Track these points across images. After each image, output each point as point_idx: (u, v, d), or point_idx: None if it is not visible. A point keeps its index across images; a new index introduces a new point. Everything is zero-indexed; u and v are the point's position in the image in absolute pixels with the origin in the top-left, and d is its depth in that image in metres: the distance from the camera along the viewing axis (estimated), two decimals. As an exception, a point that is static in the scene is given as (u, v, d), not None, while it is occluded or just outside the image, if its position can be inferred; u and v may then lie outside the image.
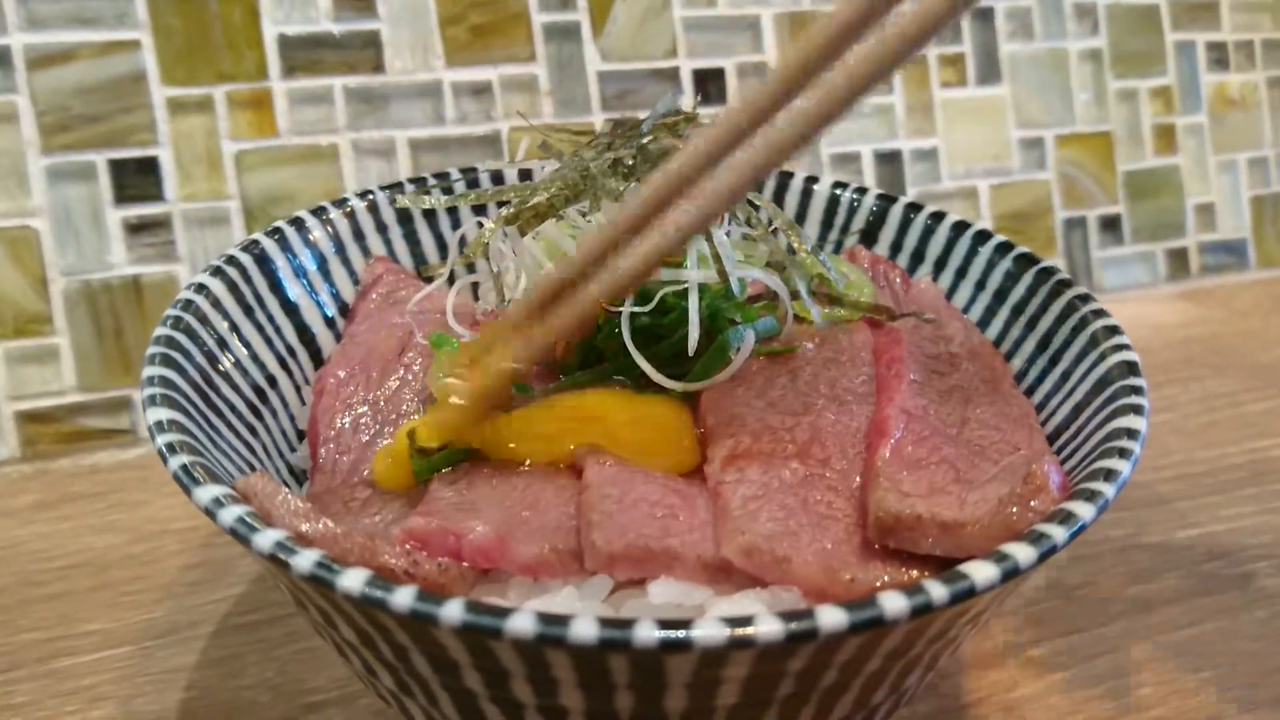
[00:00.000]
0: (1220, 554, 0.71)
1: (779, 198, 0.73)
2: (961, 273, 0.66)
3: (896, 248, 0.69)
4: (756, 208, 0.59)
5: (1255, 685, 0.60)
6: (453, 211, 0.71)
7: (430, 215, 0.71)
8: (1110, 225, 1.16)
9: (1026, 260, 0.63)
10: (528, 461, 0.49)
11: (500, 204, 0.69)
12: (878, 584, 0.42)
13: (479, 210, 0.71)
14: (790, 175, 0.73)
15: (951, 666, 0.61)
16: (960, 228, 0.67)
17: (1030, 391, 0.58)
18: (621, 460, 0.48)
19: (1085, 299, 0.58)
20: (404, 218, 0.70)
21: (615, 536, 0.43)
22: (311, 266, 0.65)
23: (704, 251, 0.54)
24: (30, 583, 0.68)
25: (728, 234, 0.59)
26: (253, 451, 0.55)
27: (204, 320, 0.56)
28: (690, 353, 0.52)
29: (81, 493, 0.78)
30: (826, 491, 0.47)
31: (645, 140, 0.57)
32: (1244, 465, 0.82)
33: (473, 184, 0.71)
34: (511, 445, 0.49)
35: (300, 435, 0.60)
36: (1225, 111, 1.21)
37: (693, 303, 0.52)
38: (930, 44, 0.40)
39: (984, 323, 0.64)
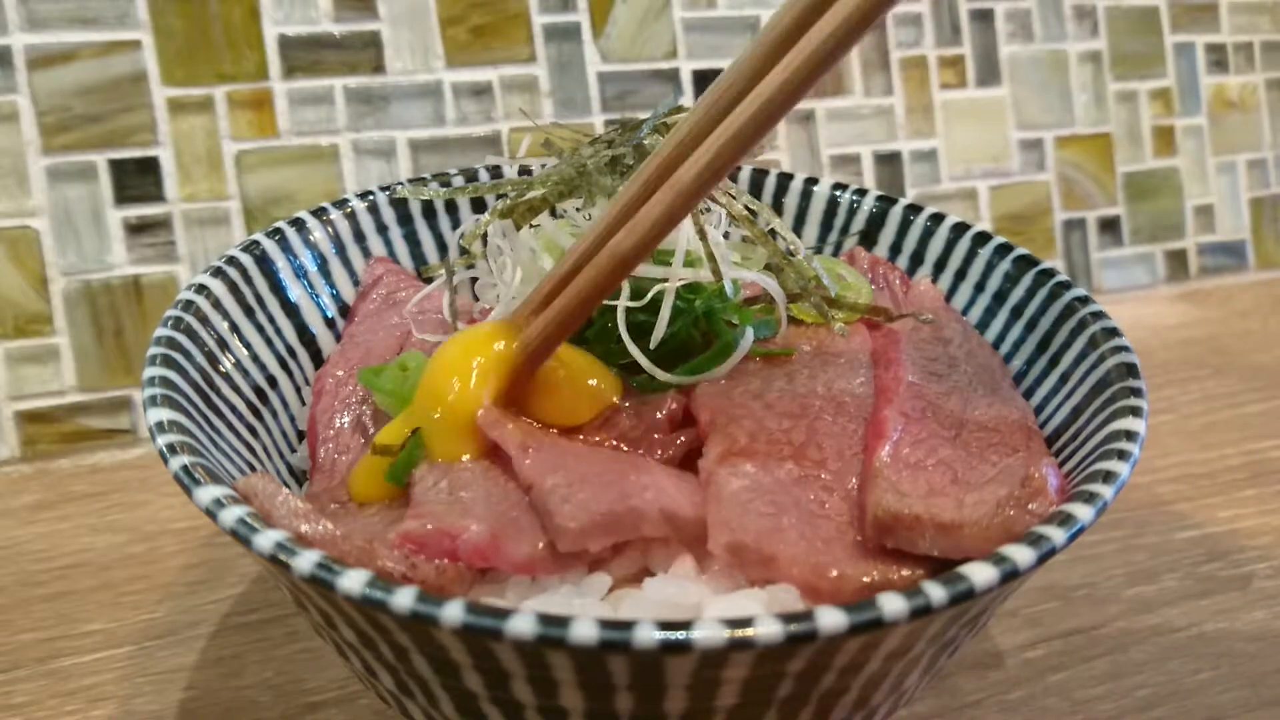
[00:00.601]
0: (1219, 555, 0.72)
1: (778, 199, 0.73)
2: (961, 274, 0.66)
3: (896, 249, 0.70)
4: (754, 212, 0.59)
5: (1254, 686, 0.60)
6: (453, 213, 0.71)
7: (430, 216, 0.71)
8: (1109, 226, 1.17)
9: (1026, 262, 0.63)
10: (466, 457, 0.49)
11: (498, 198, 0.70)
12: (865, 579, 0.42)
13: (479, 209, 0.71)
14: (790, 176, 0.73)
15: (950, 667, 0.61)
16: (960, 229, 0.67)
17: (1029, 393, 0.58)
18: (538, 436, 0.48)
19: (1084, 301, 0.58)
20: (404, 218, 0.70)
21: (579, 512, 0.43)
22: (312, 267, 0.65)
23: (699, 251, 0.54)
24: (30, 583, 0.68)
25: (725, 235, 0.60)
26: (253, 452, 0.55)
27: (204, 321, 0.56)
28: (652, 344, 0.52)
29: (81, 493, 0.78)
30: (820, 491, 0.47)
31: (644, 139, 0.57)
32: (1243, 466, 0.82)
33: (472, 182, 0.71)
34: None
35: (301, 436, 0.60)
36: (1224, 113, 1.21)
37: (668, 300, 0.52)
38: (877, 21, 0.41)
39: (983, 324, 0.64)
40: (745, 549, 0.43)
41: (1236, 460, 0.83)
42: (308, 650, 0.62)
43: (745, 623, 0.36)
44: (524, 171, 0.70)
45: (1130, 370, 0.51)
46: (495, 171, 0.71)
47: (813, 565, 0.43)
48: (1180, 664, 0.62)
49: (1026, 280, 0.62)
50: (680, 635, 0.35)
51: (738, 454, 0.47)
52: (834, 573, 0.42)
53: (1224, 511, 0.76)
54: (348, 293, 0.67)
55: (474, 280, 0.66)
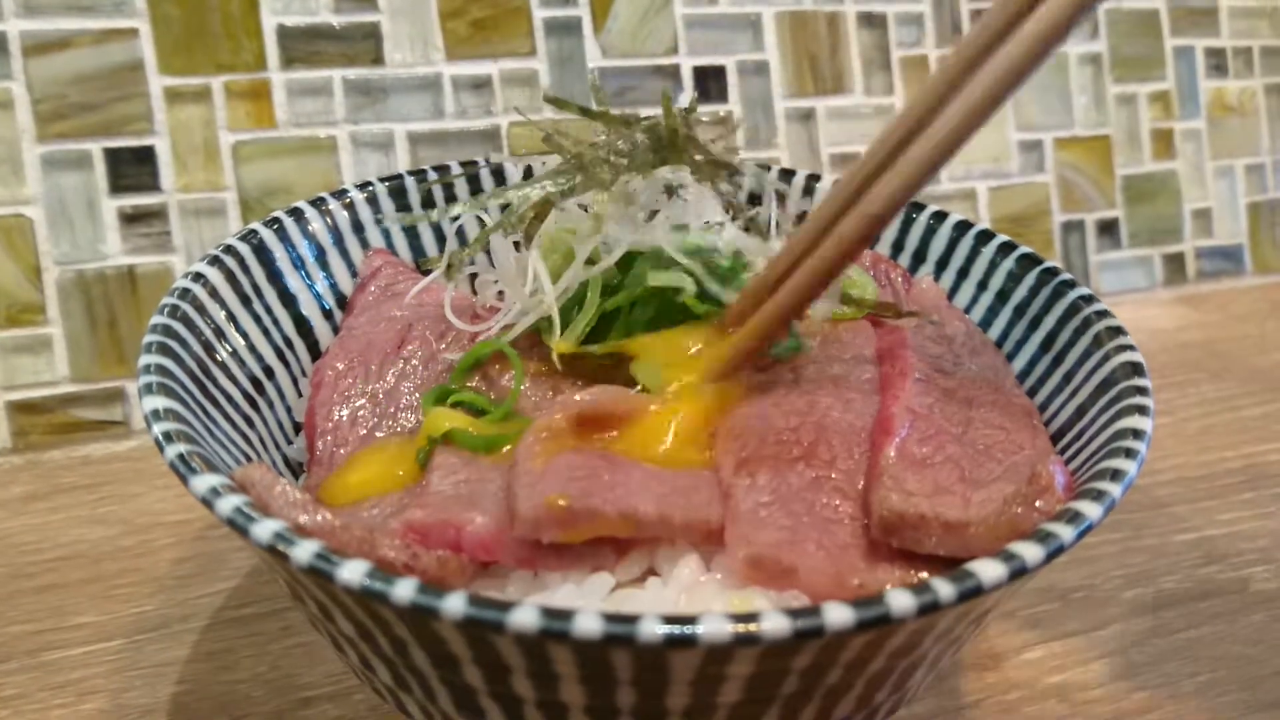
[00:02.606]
0: (1217, 558, 0.71)
1: (781, 196, 0.73)
2: (964, 273, 0.66)
3: (898, 247, 0.69)
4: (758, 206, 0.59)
5: (1252, 689, 0.60)
6: (451, 205, 0.70)
7: (429, 208, 0.70)
8: (1108, 229, 1.17)
9: (1029, 260, 0.63)
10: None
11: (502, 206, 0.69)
12: (887, 588, 0.42)
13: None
14: (791, 173, 0.73)
15: (949, 668, 0.60)
16: (963, 227, 0.67)
17: (1033, 392, 0.58)
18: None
19: (1089, 300, 0.58)
20: (403, 210, 0.69)
21: (537, 500, 0.43)
22: (310, 257, 0.64)
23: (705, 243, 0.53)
24: (20, 575, 0.67)
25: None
26: (249, 443, 0.54)
27: (201, 309, 0.55)
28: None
29: (73, 484, 0.78)
30: (834, 494, 0.46)
31: (645, 135, 0.57)
32: (1241, 470, 0.82)
33: (472, 178, 0.70)
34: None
35: (297, 428, 0.59)
36: (1223, 117, 1.22)
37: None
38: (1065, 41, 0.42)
39: (986, 323, 0.64)
40: (764, 562, 0.42)
41: (1234, 463, 0.83)
42: (302, 644, 0.61)
43: (751, 618, 0.35)
44: (526, 173, 0.70)
45: (1136, 369, 0.51)
46: (496, 169, 0.71)
47: (833, 574, 0.42)
48: (1178, 666, 0.62)
49: (1030, 279, 0.62)
50: (685, 630, 0.35)
51: (751, 460, 0.47)
52: (855, 581, 0.42)
53: (1222, 514, 0.76)
54: (345, 284, 0.66)
55: (473, 276, 0.65)
